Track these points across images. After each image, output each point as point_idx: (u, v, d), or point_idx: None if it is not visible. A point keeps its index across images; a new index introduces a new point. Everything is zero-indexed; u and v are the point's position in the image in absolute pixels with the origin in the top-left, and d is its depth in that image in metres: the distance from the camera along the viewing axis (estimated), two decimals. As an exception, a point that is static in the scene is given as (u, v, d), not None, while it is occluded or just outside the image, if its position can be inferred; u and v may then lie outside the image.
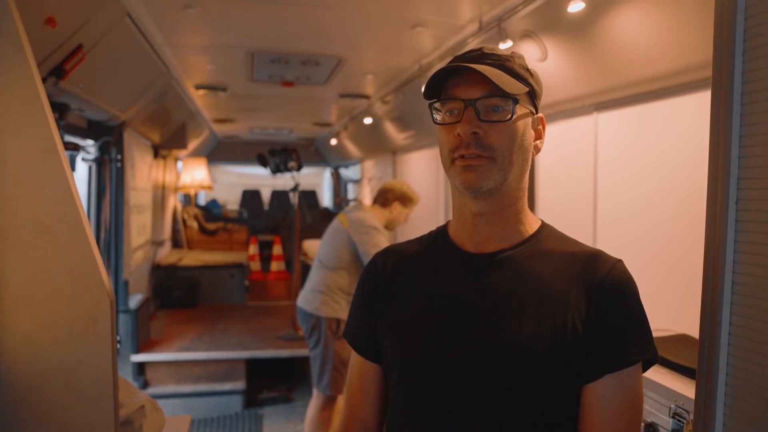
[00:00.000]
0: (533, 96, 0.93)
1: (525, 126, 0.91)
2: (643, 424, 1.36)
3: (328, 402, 2.94)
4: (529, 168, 0.95)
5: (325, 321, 2.90)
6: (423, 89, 0.93)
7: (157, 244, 5.74)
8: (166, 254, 6.34)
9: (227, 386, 4.08)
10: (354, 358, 1.05)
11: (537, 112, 0.95)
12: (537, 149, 0.96)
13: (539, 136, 0.96)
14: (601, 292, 0.86)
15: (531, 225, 0.96)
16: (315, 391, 2.98)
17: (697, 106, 1.86)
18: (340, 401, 3.00)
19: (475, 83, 0.87)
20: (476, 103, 0.87)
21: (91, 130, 3.45)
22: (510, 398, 0.86)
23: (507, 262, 0.92)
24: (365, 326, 1.02)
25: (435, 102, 0.92)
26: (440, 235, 1.02)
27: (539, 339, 0.85)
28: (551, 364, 0.85)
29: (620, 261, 0.90)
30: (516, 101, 0.88)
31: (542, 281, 0.89)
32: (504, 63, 0.90)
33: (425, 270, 0.99)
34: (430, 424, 0.90)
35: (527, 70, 0.93)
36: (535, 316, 0.86)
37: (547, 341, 0.85)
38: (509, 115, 0.87)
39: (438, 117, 0.92)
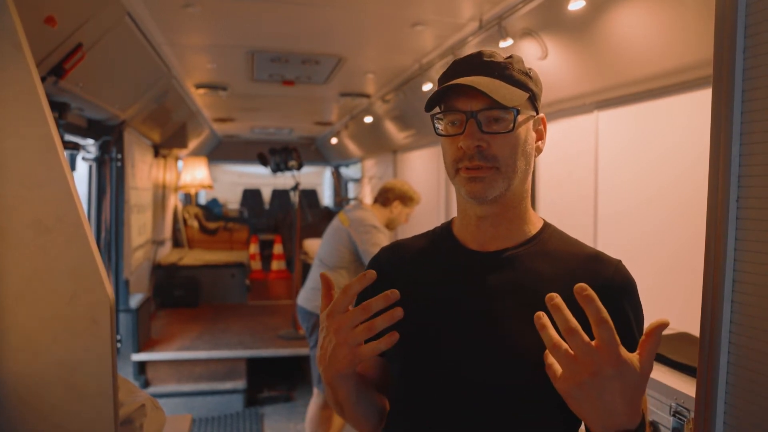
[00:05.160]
0: (533, 99, 0.93)
1: (527, 131, 0.92)
2: (643, 423, 1.36)
3: (329, 401, 2.94)
4: (532, 169, 0.95)
5: (326, 320, 2.89)
6: (425, 104, 0.92)
7: (157, 243, 5.74)
8: (166, 253, 6.34)
9: (228, 385, 4.09)
10: None
11: (538, 113, 0.95)
12: (539, 150, 0.96)
13: (540, 136, 0.96)
14: (601, 293, 0.84)
15: (534, 224, 0.97)
16: (315, 390, 2.98)
17: (698, 104, 1.86)
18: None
19: (476, 94, 0.87)
20: (478, 114, 0.87)
21: (92, 129, 3.44)
22: (509, 397, 0.86)
23: (510, 261, 0.92)
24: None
25: (437, 113, 0.92)
26: (445, 231, 1.02)
27: (539, 339, 0.83)
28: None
29: (620, 262, 0.91)
30: (517, 112, 0.88)
31: (543, 281, 0.89)
32: (503, 71, 0.90)
33: (428, 267, 0.99)
34: (430, 421, 0.90)
35: (526, 74, 0.93)
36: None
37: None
38: (511, 125, 0.88)
39: (440, 128, 0.92)
